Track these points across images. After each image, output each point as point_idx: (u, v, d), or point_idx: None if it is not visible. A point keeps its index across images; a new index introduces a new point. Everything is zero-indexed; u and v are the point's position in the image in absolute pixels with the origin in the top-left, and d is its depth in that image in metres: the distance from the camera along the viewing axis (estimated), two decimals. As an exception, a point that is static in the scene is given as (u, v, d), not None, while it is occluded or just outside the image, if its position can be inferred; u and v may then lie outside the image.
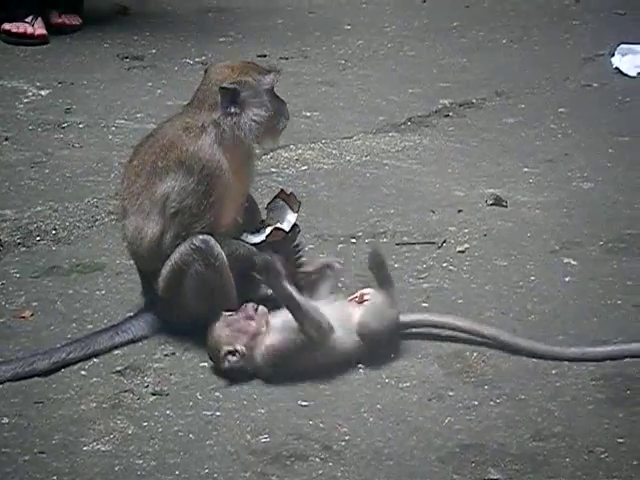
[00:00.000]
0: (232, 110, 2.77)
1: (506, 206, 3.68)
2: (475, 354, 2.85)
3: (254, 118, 2.79)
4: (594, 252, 3.37)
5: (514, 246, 3.41)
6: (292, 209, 2.90)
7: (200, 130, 2.79)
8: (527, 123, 4.36)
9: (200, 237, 2.75)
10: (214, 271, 2.76)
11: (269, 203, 2.94)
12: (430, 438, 2.54)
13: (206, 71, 2.86)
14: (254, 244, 2.85)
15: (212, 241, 2.75)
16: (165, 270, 2.79)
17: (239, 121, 2.78)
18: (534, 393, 2.69)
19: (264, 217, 2.94)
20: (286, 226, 2.87)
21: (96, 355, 2.76)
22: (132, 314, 2.90)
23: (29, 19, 4.90)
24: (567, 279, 3.23)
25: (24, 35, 4.87)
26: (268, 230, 2.86)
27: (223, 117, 2.78)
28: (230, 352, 2.70)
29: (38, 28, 4.89)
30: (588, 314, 3.03)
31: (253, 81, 2.79)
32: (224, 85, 2.77)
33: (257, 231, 2.89)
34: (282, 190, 2.95)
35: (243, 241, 2.85)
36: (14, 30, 4.88)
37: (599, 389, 2.70)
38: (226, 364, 2.70)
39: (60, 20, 5.06)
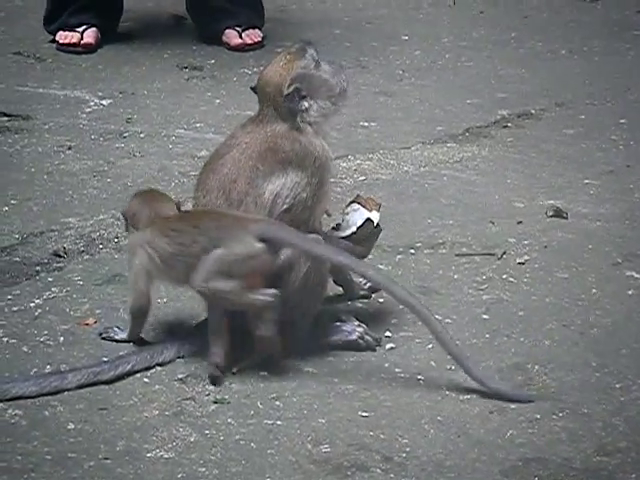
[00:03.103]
0: (305, 106, 2.81)
1: (567, 218, 3.65)
2: (537, 367, 2.83)
3: (326, 95, 2.85)
4: (657, 265, 3.33)
5: (575, 258, 3.38)
6: (373, 210, 2.92)
7: (294, 133, 2.82)
8: (587, 134, 4.33)
9: (310, 237, 2.76)
10: (319, 270, 2.77)
11: (345, 207, 2.96)
12: (492, 451, 2.52)
13: (253, 89, 2.89)
14: (344, 237, 2.87)
15: (322, 241, 2.76)
16: None
17: (318, 107, 2.83)
18: (598, 407, 2.67)
19: (339, 222, 2.95)
20: (375, 218, 2.88)
21: (160, 365, 2.79)
22: (195, 323, 2.92)
23: (81, 29, 4.96)
24: (630, 292, 3.19)
25: (70, 44, 4.93)
26: (360, 222, 2.88)
27: (305, 115, 2.82)
28: None
29: (87, 37, 4.95)
30: (652, 328, 3.00)
31: (301, 70, 2.84)
32: (286, 93, 2.80)
33: (334, 230, 2.91)
34: (358, 195, 2.97)
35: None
36: (62, 40, 4.95)
37: (664, 404, 2.67)
38: None
39: (240, 41, 4.99)
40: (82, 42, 4.93)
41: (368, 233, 2.90)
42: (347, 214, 2.93)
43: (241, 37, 5.03)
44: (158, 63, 4.94)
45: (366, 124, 4.35)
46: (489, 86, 4.81)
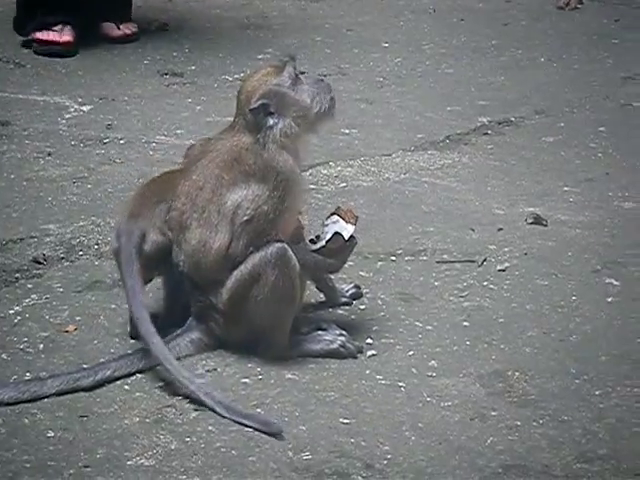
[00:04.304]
0: (272, 122, 2.80)
1: (546, 225, 3.67)
2: (517, 373, 2.84)
3: (297, 113, 2.82)
4: (636, 272, 3.35)
5: (555, 265, 3.40)
6: (349, 223, 2.92)
7: (257, 146, 2.81)
8: (567, 142, 4.35)
9: (276, 245, 2.77)
10: (288, 280, 2.77)
11: (325, 219, 2.96)
12: (473, 458, 2.53)
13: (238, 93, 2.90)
14: (314, 251, 2.88)
15: (289, 250, 2.77)
16: (231, 281, 2.79)
17: (284, 126, 2.81)
18: (578, 414, 2.68)
19: (319, 233, 2.95)
20: (345, 234, 2.89)
21: (141, 372, 2.77)
22: (178, 331, 2.90)
23: (58, 27, 4.95)
24: (609, 299, 3.21)
25: (50, 42, 4.92)
26: (328, 236, 2.89)
27: (269, 131, 2.80)
28: None
29: (65, 35, 4.95)
30: (631, 335, 3.01)
31: (274, 86, 2.82)
32: (251, 107, 2.80)
33: (312, 242, 2.92)
34: (339, 207, 2.98)
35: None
36: (42, 38, 4.94)
37: (643, 411, 2.68)
38: None
39: (121, 32, 5.13)
40: (62, 40, 4.93)
41: (338, 247, 2.90)
42: (326, 225, 2.93)
43: (119, 29, 5.14)
44: (138, 69, 4.93)
45: (347, 131, 4.36)
46: (469, 93, 4.83)
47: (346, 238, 2.90)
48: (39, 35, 4.95)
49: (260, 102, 2.79)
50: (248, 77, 2.89)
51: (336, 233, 2.89)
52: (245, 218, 2.78)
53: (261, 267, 2.77)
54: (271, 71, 2.86)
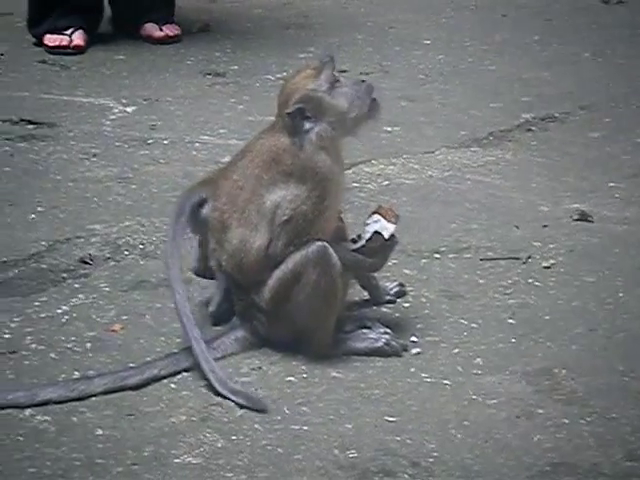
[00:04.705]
0: (308, 126, 2.80)
1: (592, 221, 3.63)
2: (564, 371, 2.82)
3: (334, 117, 2.81)
4: (684, 268, 3.31)
5: (601, 262, 3.36)
6: (390, 222, 2.92)
7: (293, 148, 2.82)
8: (612, 137, 4.31)
9: (316, 244, 2.77)
10: (330, 279, 2.77)
11: (367, 218, 2.96)
12: (519, 456, 2.51)
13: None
14: (354, 250, 2.88)
15: (329, 249, 2.78)
16: (273, 280, 2.80)
17: (320, 130, 2.80)
18: (626, 412, 2.65)
19: (360, 232, 2.95)
20: (385, 233, 2.88)
21: (187, 370, 2.79)
22: (222, 329, 2.92)
23: (69, 31, 5.00)
24: (657, 296, 3.18)
25: (60, 47, 4.97)
26: (368, 235, 2.88)
27: (306, 134, 2.80)
28: None
29: (76, 39, 4.99)
30: (679, 332, 2.98)
31: (311, 91, 2.80)
32: (287, 111, 2.79)
33: (353, 242, 2.92)
34: (380, 206, 2.97)
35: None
36: (50, 44, 4.99)
37: (693, 408, 2.65)
38: None
39: (163, 33, 5.15)
40: (72, 44, 4.98)
41: (378, 246, 2.90)
42: (368, 225, 2.93)
43: (161, 30, 5.15)
44: (181, 69, 4.96)
45: (389, 129, 4.35)
46: (512, 89, 4.80)
47: (386, 237, 2.90)
48: (48, 41, 4.99)
49: (296, 106, 2.79)
50: (288, 78, 2.89)
51: (376, 232, 2.88)
52: (284, 218, 2.79)
53: (302, 266, 2.78)
54: (310, 74, 2.85)
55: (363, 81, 2.93)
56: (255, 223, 2.81)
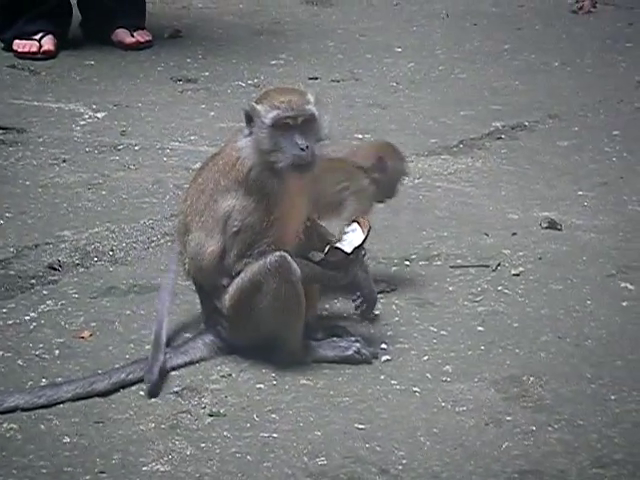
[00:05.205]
0: (246, 131, 2.81)
1: (561, 229, 3.66)
2: (532, 378, 2.83)
3: (256, 146, 2.78)
4: (651, 276, 3.34)
5: (570, 270, 3.39)
6: (363, 232, 2.91)
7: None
8: (581, 146, 4.34)
9: (275, 255, 2.77)
10: (291, 287, 2.77)
11: (345, 226, 2.95)
12: (488, 463, 2.52)
13: None
14: (317, 263, 2.87)
15: (288, 258, 2.77)
16: (233, 288, 2.81)
17: (251, 143, 2.78)
18: (593, 419, 2.67)
19: (337, 239, 2.94)
20: (347, 247, 2.87)
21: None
22: (190, 336, 2.92)
23: (38, 36, 4.97)
24: (624, 303, 3.20)
25: (29, 53, 4.94)
26: (326, 249, 2.88)
27: (245, 137, 2.80)
28: None
29: (46, 44, 4.96)
30: (646, 339, 3.01)
31: (261, 109, 2.77)
32: (243, 107, 2.81)
33: (329, 250, 2.91)
34: (360, 215, 2.97)
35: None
36: (19, 50, 4.96)
37: (659, 416, 2.67)
38: None
39: (134, 39, 5.13)
40: (42, 50, 4.95)
41: (339, 260, 2.85)
42: (345, 233, 2.92)
43: (133, 36, 5.15)
44: (152, 76, 4.94)
45: (360, 136, 4.36)
46: (483, 98, 4.82)
47: (348, 251, 2.85)
48: (17, 46, 4.95)
49: (247, 108, 2.78)
50: (275, 86, 2.89)
51: (334, 247, 2.87)
52: (234, 229, 2.80)
53: (261, 276, 2.77)
54: (277, 97, 2.77)
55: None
56: (210, 228, 2.82)
